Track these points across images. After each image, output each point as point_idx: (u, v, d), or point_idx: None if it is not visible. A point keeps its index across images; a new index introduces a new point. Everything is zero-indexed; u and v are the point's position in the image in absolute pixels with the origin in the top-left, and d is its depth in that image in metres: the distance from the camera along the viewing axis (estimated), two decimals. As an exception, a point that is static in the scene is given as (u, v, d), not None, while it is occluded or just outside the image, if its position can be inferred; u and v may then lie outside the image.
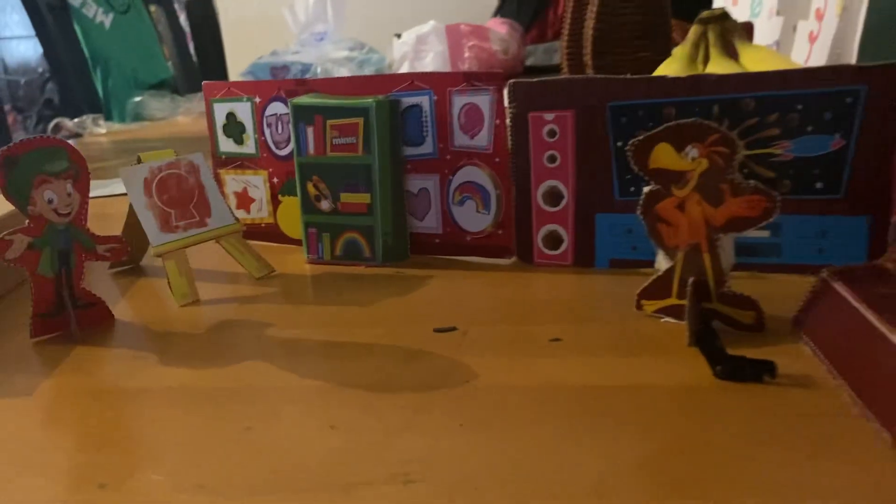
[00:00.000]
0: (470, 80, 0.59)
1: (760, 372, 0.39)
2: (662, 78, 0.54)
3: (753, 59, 0.94)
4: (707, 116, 0.53)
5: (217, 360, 0.46)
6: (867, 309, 0.39)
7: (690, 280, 0.45)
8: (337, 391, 0.41)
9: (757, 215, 0.43)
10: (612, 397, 0.39)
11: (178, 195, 0.60)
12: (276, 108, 0.67)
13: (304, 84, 0.66)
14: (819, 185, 0.52)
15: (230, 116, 0.70)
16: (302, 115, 0.62)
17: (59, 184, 0.50)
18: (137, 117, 1.86)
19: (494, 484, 0.32)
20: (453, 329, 0.49)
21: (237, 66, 2.37)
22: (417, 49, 1.97)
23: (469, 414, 0.38)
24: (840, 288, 0.42)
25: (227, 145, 0.72)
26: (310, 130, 0.62)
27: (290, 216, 0.68)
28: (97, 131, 1.64)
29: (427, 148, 0.62)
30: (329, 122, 0.61)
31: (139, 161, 0.59)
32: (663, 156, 0.44)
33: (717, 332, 0.41)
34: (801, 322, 0.45)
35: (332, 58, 1.94)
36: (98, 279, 0.65)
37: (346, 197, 0.62)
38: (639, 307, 0.49)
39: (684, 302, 0.45)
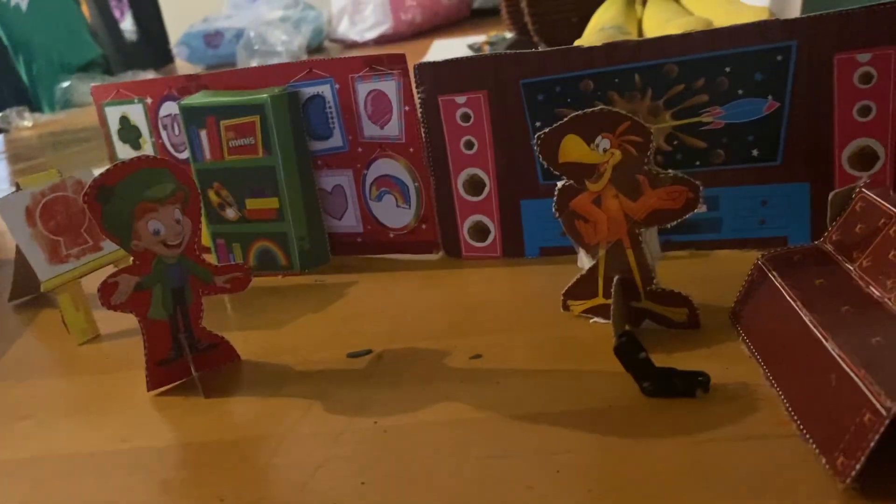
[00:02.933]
0: (371, 64, 0.54)
1: (692, 386, 0.36)
2: (576, 49, 0.49)
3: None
4: (629, 86, 0.49)
5: (100, 413, 0.43)
6: (802, 306, 0.36)
7: (615, 278, 0.42)
8: (228, 451, 0.38)
9: (680, 207, 0.39)
10: (526, 433, 0.35)
11: (67, 220, 0.55)
12: (170, 108, 0.62)
13: (195, 79, 0.60)
14: (755, 152, 0.48)
15: (123, 120, 0.65)
16: (192, 118, 0.57)
17: (165, 211, 0.42)
18: (67, 104, 1.78)
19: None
20: (368, 352, 0.45)
21: (178, 35, 2.26)
22: (355, 2, 1.89)
23: (373, 467, 0.34)
24: (775, 278, 0.39)
25: (124, 152, 0.66)
26: (203, 134, 0.56)
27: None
28: (23, 125, 1.56)
29: (336, 141, 0.57)
30: (223, 122, 0.56)
31: (18, 188, 0.54)
32: (572, 149, 0.40)
33: (640, 343, 0.37)
34: (739, 315, 0.41)
35: (266, 19, 1.85)
36: (-4, 315, 0.61)
37: (252, 203, 0.57)
38: (565, 308, 0.45)
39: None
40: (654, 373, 0.37)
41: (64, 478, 0.37)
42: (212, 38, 1.92)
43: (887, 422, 0.27)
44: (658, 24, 0.83)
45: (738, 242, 0.50)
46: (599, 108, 0.38)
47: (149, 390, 0.44)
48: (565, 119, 0.39)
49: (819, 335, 0.33)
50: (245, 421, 0.40)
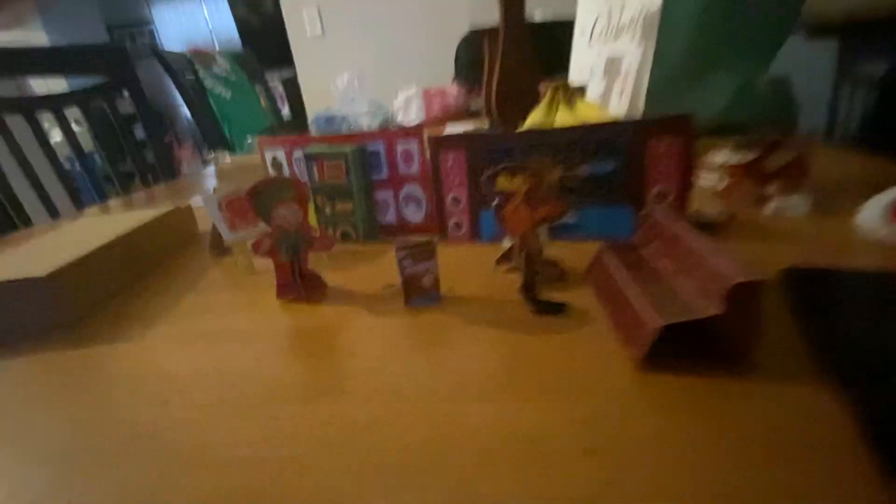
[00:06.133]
0: (404, 133, 0.55)
1: (559, 310, 0.37)
2: (512, 133, 0.50)
3: (582, 109, 0.88)
4: (539, 152, 0.49)
5: (252, 310, 0.43)
6: (618, 267, 0.36)
7: (523, 253, 0.42)
8: (320, 332, 0.39)
9: (557, 215, 0.40)
10: (464, 337, 0.36)
11: (240, 210, 0.56)
12: (298, 154, 0.63)
13: (313, 139, 0.61)
14: (603, 190, 0.49)
15: (273, 159, 0.66)
16: (311, 159, 0.57)
17: (288, 204, 0.43)
18: (249, 149, 1.78)
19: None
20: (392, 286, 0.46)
21: (311, 117, 2.25)
22: (406, 104, 1.88)
23: (402, 341, 0.35)
24: (607, 254, 0.40)
25: (274, 176, 0.67)
26: (315, 167, 0.57)
27: (312, 217, 0.64)
28: (225, 161, 1.56)
29: (384, 175, 0.58)
30: (326, 162, 0.56)
31: (214, 191, 0.55)
32: (504, 182, 0.40)
33: (535, 286, 0.38)
34: (590, 273, 0.42)
35: (358, 111, 1.85)
36: (200, 257, 0.62)
37: (338, 206, 0.58)
38: (497, 265, 0.46)
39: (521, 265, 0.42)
40: (539, 302, 0.38)
41: (233, 343, 0.39)
42: (329, 121, 1.91)
43: (655, 329, 0.28)
44: (561, 121, 0.83)
45: (594, 238, 0.50)
46: (516, 161, 0.39)
47: (277, 298, 0.45)
48: (499, 166, 0.39)
49: (629, 283, 0.34)
50: (329, 319, 0.41)
